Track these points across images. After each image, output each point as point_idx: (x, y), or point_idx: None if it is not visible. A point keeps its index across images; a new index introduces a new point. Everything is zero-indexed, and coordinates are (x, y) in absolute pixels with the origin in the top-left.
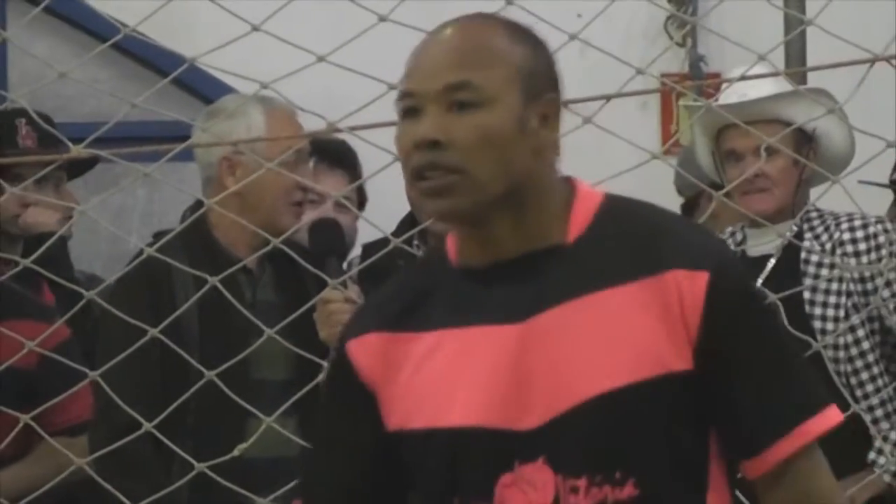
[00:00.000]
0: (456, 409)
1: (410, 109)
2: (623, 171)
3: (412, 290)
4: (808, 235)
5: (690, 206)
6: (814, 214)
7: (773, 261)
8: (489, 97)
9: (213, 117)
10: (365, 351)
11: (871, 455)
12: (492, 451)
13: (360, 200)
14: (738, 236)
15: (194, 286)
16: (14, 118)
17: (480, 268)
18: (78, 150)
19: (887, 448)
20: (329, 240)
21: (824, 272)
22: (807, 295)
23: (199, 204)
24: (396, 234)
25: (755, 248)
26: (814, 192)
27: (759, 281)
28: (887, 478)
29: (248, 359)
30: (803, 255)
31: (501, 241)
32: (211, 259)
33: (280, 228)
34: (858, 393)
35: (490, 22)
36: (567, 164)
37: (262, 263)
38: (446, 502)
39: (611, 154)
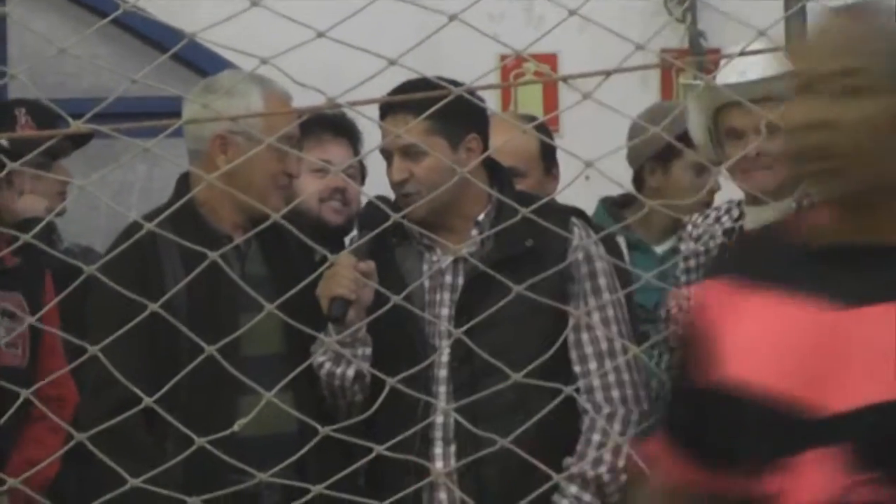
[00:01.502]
0: (765, 372)
1: (800, 88)
2: (623, 146)
3: (756, 249)
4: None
5: (639, 178)
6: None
7: None
8: (876, 86)
9: (210, 93)
10: (709, 294)
11: None
12: (789, 424)
13: (363, 174)
14: (735, 212)
15: (181, 261)
16: (14, 108)
17: (830, 246)
18: (77, 126)
19: None
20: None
21: None
22: None
23: (186, 176)
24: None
25: (753, 224)
26: None
27: None
28: None
29: (239, 335)
30: None
31: (873, 228)
32: (198, 234)
33: (263, 207)
34: None
35: (883, 12)
36: (567, 140)
37: (249, 238)
38: (731, 462)
39: (611, 129)
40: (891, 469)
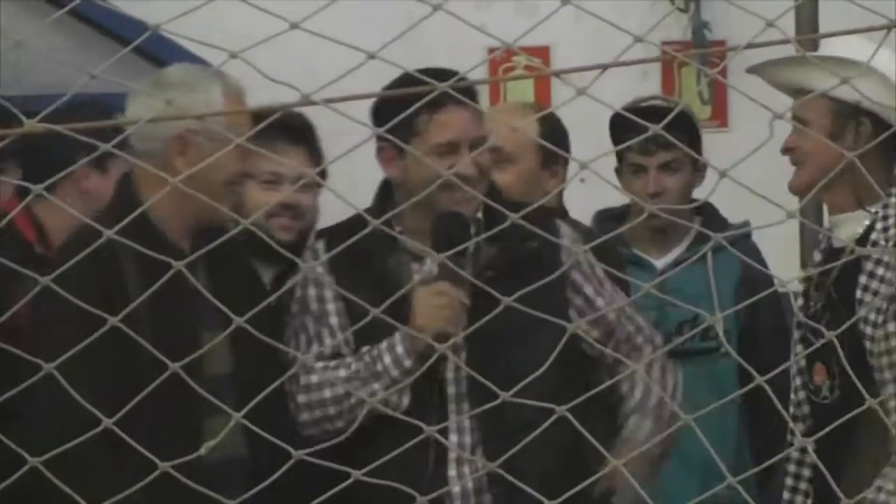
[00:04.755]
0: None
1: None
2: (622, 146)
3: None
4: (878, 225)
5: None
6: (893, 200)
7: (846, 252)
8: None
9: (164, 88)
10: None
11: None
12: None
13: (321, 176)
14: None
15: (139, 273)
16: None
17: None
18: (32, 125)
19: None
20: (455, 233)
21: (880, 271)
22: (858, 294)
23: (128, 176)
24: (374, 207)
25: (838, 236)
26: None
27: (834, 274)
28: None
29: (202, 354)
30: (868, 247)
31: None
32: (150, 243)
33: (217, 213)
34: (887, 406)
35: None
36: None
37: (195, 248)
38: None
39: (608, 128)
40: None
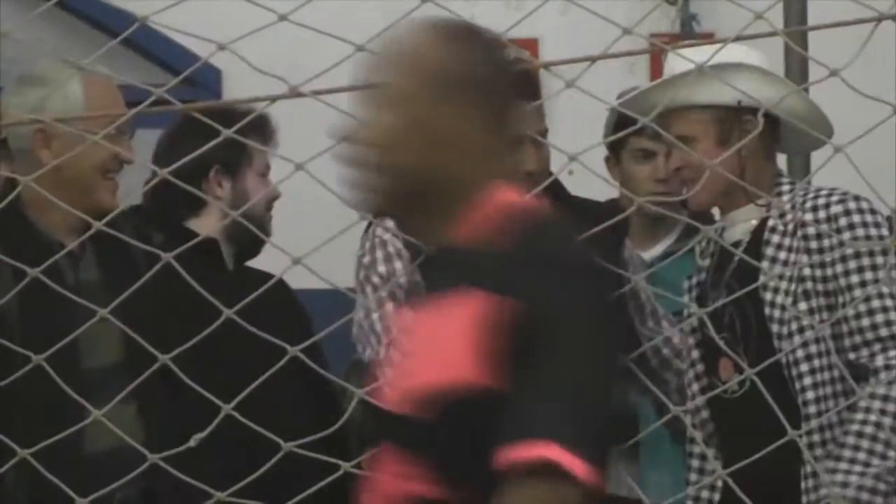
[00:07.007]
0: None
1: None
2: (610, 139)
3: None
4: (773, 212)
5: None
6: (785, 188)
7: (743, 245)
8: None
9: (28, 86)
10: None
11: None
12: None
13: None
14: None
15: (10, 272)
16: None
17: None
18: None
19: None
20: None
21: (782, 255)
22: (762, 279)
23: (11, 180)
24: None
25: (731, 233)
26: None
27: (730, 269)
28: None
29: (78, 346)
30: (765, 235)
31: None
32: (26, 241)
33: (98, 203)
34: (797, 385)
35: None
36: (550, 132)
37: (83, 242)
38: None
39: (596, 120)
40: (441, 461)
